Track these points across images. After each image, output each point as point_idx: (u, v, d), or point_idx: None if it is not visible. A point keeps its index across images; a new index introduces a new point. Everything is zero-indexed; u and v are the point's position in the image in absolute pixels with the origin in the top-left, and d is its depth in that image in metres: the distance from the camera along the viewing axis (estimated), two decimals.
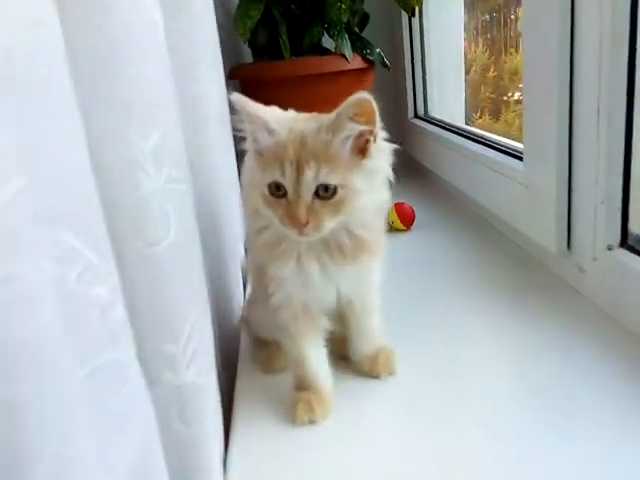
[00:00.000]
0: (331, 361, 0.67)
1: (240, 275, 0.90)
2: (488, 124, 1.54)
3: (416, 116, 1.58)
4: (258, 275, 0.68)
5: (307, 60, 1.27)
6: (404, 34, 1.53)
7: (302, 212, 0.53)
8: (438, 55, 1.52)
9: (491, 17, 1.52)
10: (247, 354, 0.78)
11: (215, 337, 0.60)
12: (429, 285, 0.94)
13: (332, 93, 1.13)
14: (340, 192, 0.54)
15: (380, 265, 0.65)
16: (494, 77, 1.56)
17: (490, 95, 1.60)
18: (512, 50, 1.47)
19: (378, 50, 1.30)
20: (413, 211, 1.16)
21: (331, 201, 0.54)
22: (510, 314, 0.81)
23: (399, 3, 1.32)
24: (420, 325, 0.80)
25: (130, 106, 0.40)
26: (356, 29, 1.34)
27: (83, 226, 0.37)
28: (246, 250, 1.01)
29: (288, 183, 0.54)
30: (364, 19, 1.36)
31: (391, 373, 0.69)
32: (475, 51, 1.57)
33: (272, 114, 0.58)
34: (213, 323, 0.61)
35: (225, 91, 0.98)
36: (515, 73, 1.49)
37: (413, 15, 1.38)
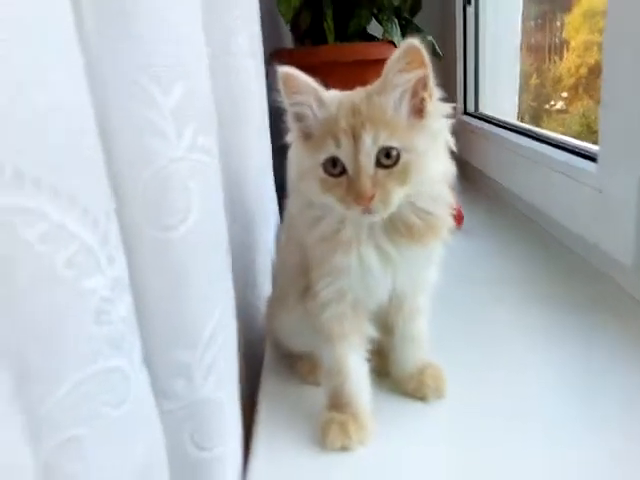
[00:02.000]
0: (371, 378, 0.59)
1: (269, 272, 0.81)
2: None
3: (466, 113, 1.48)
4: (296, 275, 0.61)
5: (353, 46, 1.18)
6: (457, 23, 1.43)
7: (366, 184, 0.48)
8: (493, 48, 1.41)
9: (536, 23, 1.44)
10: (272, 364, 0.70)
11: (239, 344, 0.52)
12: (480, 296, 0.84)
13: None
14: (404, 157, 0.49)
15: (439, 260, 0.58)
16: (536, 85, 1.47)
17: (531, 103, 1.51)
18: (556, 58, 1.39)
19: (430, 38, 1.20)
20: (461, 211, 1.06)
21: (396, 169, 0.49)
22: (573, 333, 0.71)
23: None
24: (469, 341, 0.71)
25: (146, 46, 0.31)
26: (406, 15, 1.25)
27: (80, 198, 0.29)
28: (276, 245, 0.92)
29: (345, 154, 0.49)
30: (416, 4, 1.27)
31: (439, 395, 0.60)
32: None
33: (321, 89, 0.52)
34: (237, 328, 0.53)
35: (263, 71, 0.90)
36: (558, 82, 1.41)
37: (469, 3, 1.28)
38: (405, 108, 0.50)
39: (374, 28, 1.24)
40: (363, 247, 0.53)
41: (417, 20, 1.27)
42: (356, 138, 0.48)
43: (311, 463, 0.53)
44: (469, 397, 0.60)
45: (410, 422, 0.58)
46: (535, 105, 1.51)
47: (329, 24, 1.16)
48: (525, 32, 1.44)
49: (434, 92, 0.51)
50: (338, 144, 0.49)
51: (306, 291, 0.59)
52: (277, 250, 0.70)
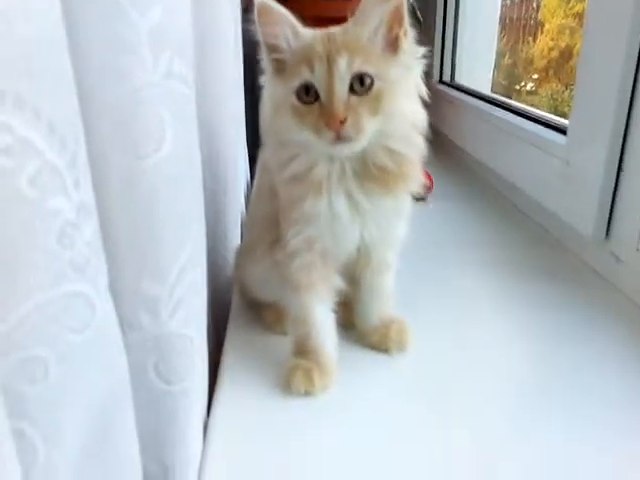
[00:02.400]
0: (336, 330, 0.59)
1: (239, 224, 0.80)
2: None
3: (441, 81, 1.48)
4: (266, 226, 0.61)
5: (332, 2, 1.16)
6: None
7: (338, 107, 0.48)
8: (472, 19, 1.40)
9: (512, 2, 1.44)
10: (239, 314, 0.70)
11: (208, 285, 0.51)
12: (444, 259, 0.85)
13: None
14: (377, 84, 0.49)
15: (408, 215, 0.58)
16: (508, 64, 1.48)
17: (502, 82, 1.53)
18: (530, 39, 1.40)
19: (411, 1, 1.19)
20: (431, 178, 1.07)
21: (368, 96, 0.49)
22: (531, 298, 0.73)
23: None
24: (433, 302, 0.73)
25: None
26: None
27: (45, 114, 0.28)
28: (246, 200, 0.91)
29: (319, 79, 0.49)
30: None
31: (402, 349, 0.61)
32: None
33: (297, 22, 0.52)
34: (206, 271, 0.52)
35: (239, 16, 0.87)
36: (530, 63, 1.42)
37: None
38: (380, 41, 0.50)
39: None
40: (333, 193, 0.53)
41: None
42: (330, 63, 0.48)
43: (274, 406, 0.54)
44: (432, 351, 0.62)
45: (373, 372, 0.59)
46: (506, 84, 1.52)
47: None
48: (502, 11, 1.43)
49: (408, 31, 0.51)
50: (312, 69, 0.49)
51: (275, 242, 0.59)
52: (248, 201, 0.69)
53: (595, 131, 0.74)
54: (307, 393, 0.54)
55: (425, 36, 0.53)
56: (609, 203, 0.74)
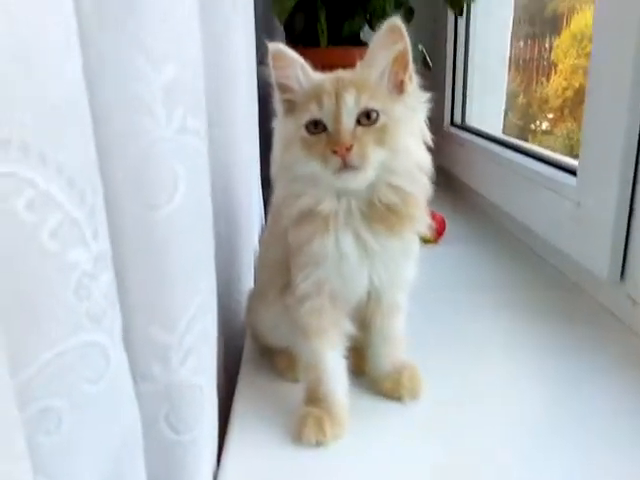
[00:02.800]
0: (348, 377, 0.59)
1: (252, 268, 0.81)
2: None
3: (452, 124, 1.50)
4: (277, 271, 0.61)
5: (344, 50, 1.19)
6: (449, 34, 1.45)
7: (345, 135, 0.50)
8: (482, 62, 1.43)
9: (525, 44, 1.47)
10: (251, 358, 0.70)
11: (219, 332, 0.51)
12: (457, 302, 0.85)
13: None
14: (382, 118, 0.52)
15: (416, 257, 0.59)
16: (523, 104, 1.50)
17: (517, 122, 1.54)
18: (543, 79, 1.42)
19: (420, 47, 1.22)
20: (444, 221, 1.07)
21: (374, 127, 0.52)
22: (546, 341, 0.72)
23: (447, 1, 1.25)
24: (445, 346, 0.72)
25: (141, 18, 0.31)
26: None
27: (66, 169, 0.29)
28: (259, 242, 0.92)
29: (327, 113, 0.51)
30: (408, 13, 1.28)
31: (415, 396, 0.61)
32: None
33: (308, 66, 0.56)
34: (218, 315, 0.53)
35: (255, 67, 0.90)
36: (545, 102, 1.43)
37: (460, 14, 1.30)
38: (386, 82, 0.53)
39: (369, 34, 1.26)
40: (340, 232, 0.54)
41: (409, 29, 1.28)
42: (338, 98, 0.51)
43: (285, 456, 0.53)
44: (445, 397, 0.61)
45: (385, 420, 0.58)
46: (521, 124, 1.53)
47: (322, 27, 1.17)
48: (515, 52, 1.46)
49: (413, 77, 0.54)
50: (321, 106, 0.51)
51: (286, 287, 0.59)
52: (260, 245, 0.70)
53: (604, 172, 0.74)
54: (318, 443, 0.54)
55: (435, 80, 0.55)
56: (622, 244, 0.73)
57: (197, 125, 0.37)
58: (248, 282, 0.80)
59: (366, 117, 0.51)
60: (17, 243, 0.27)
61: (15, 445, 0.24)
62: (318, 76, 0.54)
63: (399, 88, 0.54)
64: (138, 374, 0.38)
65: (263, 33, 1.23)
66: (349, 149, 0.50)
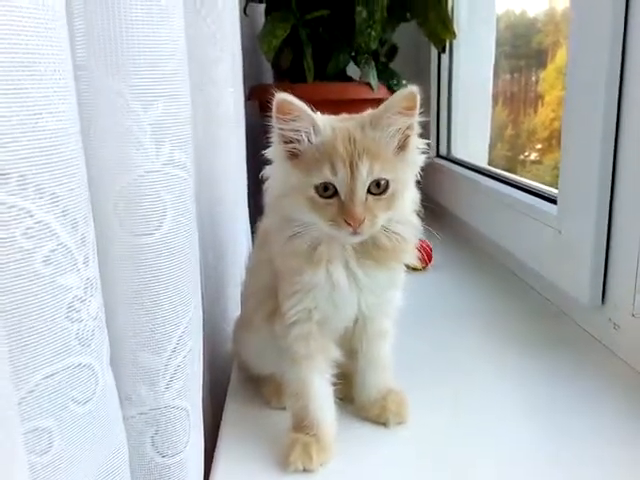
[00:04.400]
0: (336, 404, 0.60)
1: (239, 299, 0.82)
2: None
3: (438, 156, 1.53)
4: (264, 297, 0.62)
5: (330, 85, 1.23)
6: (432, 70, 1.49)
7: (359, 209, 0.51)
8: (466, 95, 1.47)
9: (512, 77, 1.51)
10: (238, 387, 0.70)
11: (204, 358, 0.52)
12: (443, 328, 0.86)
13: None
14: (392, 186, 0.53)
15: (402, 285, 0.61)
16: (511, 136, 1.53)
17: (506, 153, 1.57)
18: (531, 111, 1.46)
19: (405, 82, 1.26)
20: (430, 249, 1.09)
21: (384, 196, 0.53)
22: (530, 367, 0.74)
23: (430, 38, 1.29)
24: (433, 374, 0.73)
25: (132, 62, 0.34)
26: (383, 59, 1.31)
27: (61, 199, 0.31)
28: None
29: (341, 182, 0.52)
30: (392, 50, 1.32)
31: (401, 421, 0.61)
32: (494, 108, 1.55)
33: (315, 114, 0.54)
34: (204, 343, 0.53)
35: (242, 102, 0.93)
36: (533, 134, 1.47)
37: (443, 51, 1.34)
38: (394, 144, 0.54)
39: (353, 71, 1.30)
40: (333, 265, 0.55)
41: (393, 65, 1.32)
42: (352, 168, 0.51)
43: None
44: (431, 423, 0.61)
45: (372, 446, 0.58)
46: (510, 155, 1.56)
47: (309, 63, 1.20)
48: (502, 85, 1.51)
49: (416, 129, 0.55)
50: (334, 172, 0.51)
51: (273, 313, 0.60)
52: (247, 272, 0.71)
53: (583, 200, 0.77)
54: (305, 469, 0.54)
55: (420, 114, 0.56)
56: (602, 269, 0.75)
57: (183, 158, 0.39)
58: (234, 312, 0.81)
59: (376, 185, 0.52)
60: (13, 267, 0.29)
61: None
62: (327, 129, 0.53)
63: (404, 145, 0.54)
64: (124, 397, 0.39)
65: (251, 69, 1.27)
66: (362, 222, 0.51)
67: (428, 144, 0.57)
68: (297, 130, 0.53)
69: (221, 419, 0.64)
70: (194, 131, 0.48)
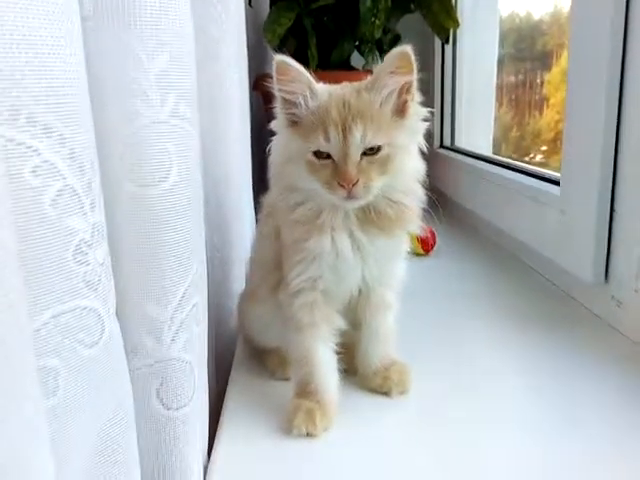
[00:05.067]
0: (339, 376, 0.60)
1: (244, 277, 0.83)
2: None
3: (442, 146, 1.54)
4: (269, 268, 0.63)
5: (333, 73, 1.23)
6: (436, 60, 1.50)
7: (352, 170, 0.52)
8: (469, 85, 1.48)
9: (517, 79, 1.52)
10: (242, 361, 0.71)
11: (210, 334, 0.53)
12: (449, 310, 0.86)
13: None
14: (386, 149, 0.53)
15: (405, 254, 0.61)
16: (517, 137, 1.54)
17: (512, 155, 1.58)
18: (536, 113, 1.46)
19: None
20: (434, 235, 1.09)
21: (377, 157, 0.53)
22: (535, 345, 0.74)
23: (433, 28, 1.30)
24: (436, 349, 0.73)
25: (138, 12, 0.34)
26: (387, 49, 1.31)
27: (68, 141, 0.31)
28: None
29: (334, 147, 0.52)
30: (395, 39, 1.33)
31: (403, 390, 0.62)
32: (499, 110, 1.56)
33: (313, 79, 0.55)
34: (210, 322, 0.54)
35: (247, 85, 0.94)
36: (538, 135, 1.47)
37: (447, 42, 1.35)
38: (390, 107, 0.54)
39: (357, 61, 1.30)
40: (337, 233, 0.56)
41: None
42: (345, 133, 0.51)
43: (275, 444, 0.54)
44: (434, 394, 0.62)
45: (374, 415, 0.59)
46: (516, 157, 1.57)
47: (313, 52, 1.21)
48: (508, 87, 1.51)
49: (416, 95, 0.55)
50: (327, 138, 0.52)
51: (278, 285, 0.61)
52: (252, 246, 0.72)
53: (585, 179, 0.77)
54: (308, 434, 0.55)
55: (424, 105, 0.57)
56: (605, 247, 0.76)
57: (188, 112, 0.40)
58: (239, 290, 0.82)
59: (370, 149, 0.52)
60: (23, 205, 0.29)
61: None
62: (324, 93, 0.53)
63: (402, 109, 0.54)
64: (130, 348, 0.39)
65: (256, 60, 1.28)
66: (355, 184, 0.52)
67: (432, 112, 0.57)
68: (295, 92, 0.53)
69: (226, 390, 0.64)
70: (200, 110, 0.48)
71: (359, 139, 0.52)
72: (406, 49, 0.51)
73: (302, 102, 0.53)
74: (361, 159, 0.52)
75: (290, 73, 0.53)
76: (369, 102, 0.53)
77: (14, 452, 0.23)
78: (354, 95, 0.53)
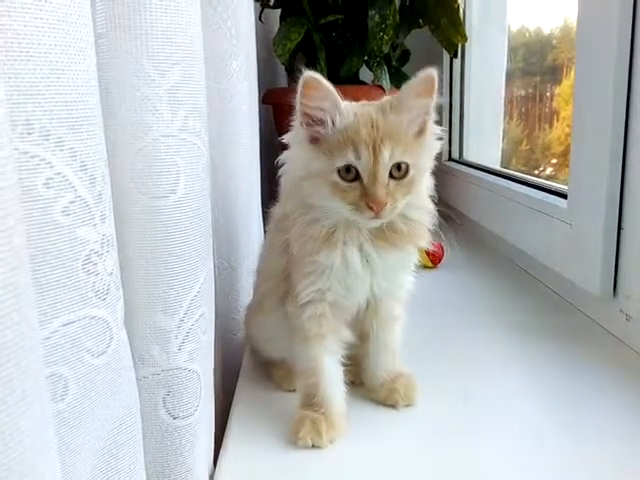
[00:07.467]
0: (345, 388, 0.60)
1: (251, 288, 0.83)
2: None
3: (450, 159, 1.54)
4: (277, 279, 0.63)
5: (343, 88, 1.24)
6: (444, 74, 1.51)
7: (382, 193, 0.52)
8: (478, 98, 1.49)
9: (527, 92, 1.53)
10: (249, 370, 0.72)
11: (216, 347, 0.53)
12: (456, 323, 0.86)
13: None
14: (411, 171, 0.54)
15: (414, 267, 0.62)
16: (527, 151, 1.55)
17: (522, 168, 1.58)
18: (546, 126, 1.46)
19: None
20: (442, 248, 1.09)
21: (404, 181, 0.54)
22: (544, 360, 0.73)
23: (442, 43, 1.31)
24: (444, 363, 0.73)
25: (149, 31, 0.35)
26: (395, 64, 1.33)
27: (79, 154, 0.32)
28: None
29: (364, 166, 0.52)
30: (405, 55, 1.35)
31: (409, 402, 0.62)
32: (509, 123, 1.56)
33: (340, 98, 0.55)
34: (217, 333, 0.54)
35: (257, 98, 0.95)
36: (548, 149, 1.48)
37: (455, 56, 1.36)
38: (414, 128, 0.55)
39: (367, 75, 1.32)
40: (347, 247, 0.56)
41: (405, 69, 1.34)
42: (376, 152, 0.52)
43: (280, 456, 0.54)
44: (440, 407, 0.62)
45: (380, 427, 0.59)
46: (525, 170, 1.57)
47: (322, 67, 1.23)
48: (518, 101, 1.52)
49: (433, 114, 0.56)
50: (358, 155, 0.52)
51: (285, 296, 0.61)
52: (259, 257, 0.73)
53: (593, 192, 0.77)
54: (314, 445, 0.55)
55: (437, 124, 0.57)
56: (613, 261, 0.75)
57: (197, 126, 0.41)
58: (246, 303, 0.83)
59: (397, 169, 0.53)
60: (33, 216, 0.30)
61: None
62: (350, 113, 0.53)
63: (422, 129, 0.55)
64: (138, 357, 0.40)
65: (266, 75, 1.30)
66: (385, 205, 0.52)
67: (444, 130, 0.58)
68: (322, 109, 0.53)
69: (232, 401, 0.65)
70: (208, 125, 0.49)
71: (387, 159, 0.52)
72: (432, 73, 0.52)
73: (329, 120, 0.53)
74: (389, 182, 0.53)
75: (320, 90, 0.53)
76: (396, 123, 0.53)
77: (21, 453, 0.23)
78: (380, 115, 0.53)
